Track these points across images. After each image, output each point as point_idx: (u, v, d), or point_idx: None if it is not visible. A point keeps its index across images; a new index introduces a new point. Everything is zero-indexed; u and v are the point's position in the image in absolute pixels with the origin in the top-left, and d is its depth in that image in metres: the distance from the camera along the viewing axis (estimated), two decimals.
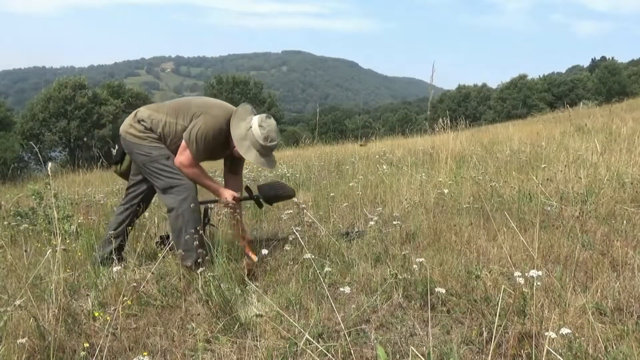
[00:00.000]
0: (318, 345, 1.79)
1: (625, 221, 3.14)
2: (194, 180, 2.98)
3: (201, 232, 2.78)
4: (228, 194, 3.02)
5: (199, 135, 2.89)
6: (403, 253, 2.69)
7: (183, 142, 2.92)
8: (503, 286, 1.96)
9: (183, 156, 2.92)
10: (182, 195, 2.91)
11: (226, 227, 3.98)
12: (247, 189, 3.31)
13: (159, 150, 2.96)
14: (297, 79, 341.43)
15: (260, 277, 2.77)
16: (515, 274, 2.00)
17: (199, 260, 2.73)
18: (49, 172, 2.77)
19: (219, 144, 2.99)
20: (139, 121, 3.00)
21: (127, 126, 3.02)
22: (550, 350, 1.58)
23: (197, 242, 2.73)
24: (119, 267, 2.86)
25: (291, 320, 2.06)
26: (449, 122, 6.95)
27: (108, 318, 2.22)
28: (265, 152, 2.96)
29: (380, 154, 7.97)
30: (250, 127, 2.92)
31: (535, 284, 1.91)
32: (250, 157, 2.93)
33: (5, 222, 4.15)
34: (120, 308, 2.33)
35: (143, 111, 3.05)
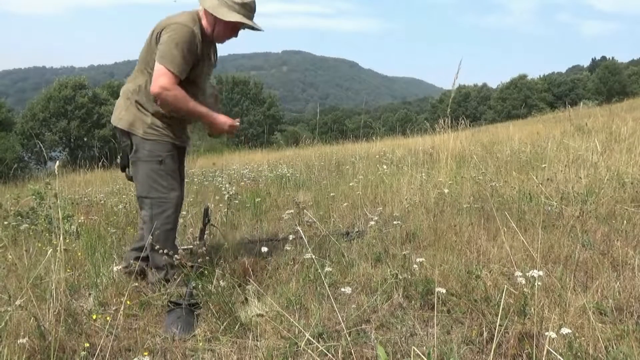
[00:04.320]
0: (318, 345, 1.79)
1: (625, 221, 3.14)
2: (180, 106, 2.52)
3: (174, 252, 2.49)
4: (224, 119, 2.67)
5: (173, 46, 2.46)
6: (403, 253, 2.69)
7: (157, 65, 2.47)
8: (505, 286, 1.96)
9: (162, 77, 2.45)
10: (158, 209, 2.63)
11: (227, 228, 3.98)
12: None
13: (152, 146, 2.62)
14: (297, 79, 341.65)
15: (260, 277, 2.76)
16: (515, 274, 2.00)
17: (167, 277, 2.66)
18: (55, 171, 2.76)
19: (194, 53, 2.55)
20: (128, 99, 2.66)
21: (120, 111, 2.69)
22: (551, 350, 1.58)
23: (168, 262, 2.52)
24: (119, 267, 2.86)
25: (292, 320, 2.06)
26: (449, 122, 6.96)
27: (108, 318, 2.22)
28: (247, 12, 2.60)
29: (380, 154, 7.97)
30: None
31: (536, 284, 1.91)
32: (233, 17, 2.54)
33: (6, 222, 4.15)
34: (120, 308, 2.33)
35: (127, 86, 2.70)
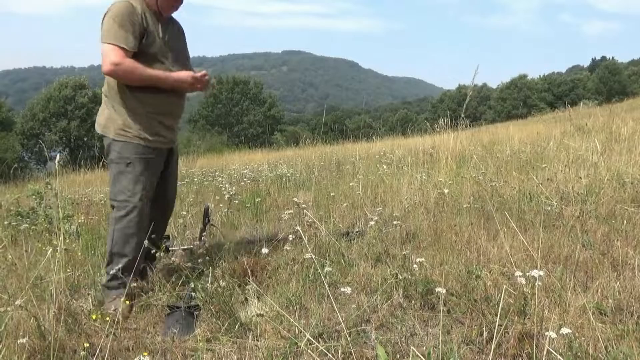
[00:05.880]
0: (318, 345, 1.79)
1: (625, 221, 3.14)
2: (135, 77, 2.46)
3: (134, 258, 2.50)
4: (186, 74, 2.59)
5: (111, 22, 2.42)
6: (403, 253, 2.69)
7: (102, 46, 2.43)
8: (505, 286, 1.96)
9: (109, 54, 2.39)
10: (121, 212, 2.54)
11: (227, 228, 3.98)
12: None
13: (121, 148, 2.55)
14: (297, 79, 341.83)
15: (260, 277, 2.76)
16: (515, 274, 2.00)
17: (109, 284, 2.52)
18: (56, 168, 2.77)
19: (138, 24, 2.47)
20: (104, 102, 2.65)
21: (99, 116, 2.66)
22: (551, 350, 1.58)
23: (125, 268, 2.47)
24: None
25: (292, 320, 2.06)
26: (449, 122, 6.97)
27: (108, 318, 2.22)
28: None
29: (380, 153, 7.97)
30: None
31: (536, 284, 1.91)
32: None
33: (6, 222, 4.15)
34: (120, 308, 2.32)
35: (102, 90, 2.67)
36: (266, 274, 2.77)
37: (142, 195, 2.56)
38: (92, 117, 38.69)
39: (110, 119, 2.58)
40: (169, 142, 2.73)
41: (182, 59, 2.74)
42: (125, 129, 2.55)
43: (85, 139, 39.26)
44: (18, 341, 1.84)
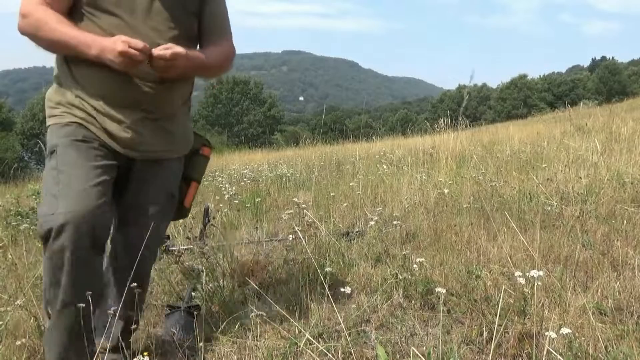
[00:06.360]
0: (318, 345, 1.79)
1: (625, 221, 3.14)
2: (41, 37, 1.64)
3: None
4: (110, 42, 1.57)
5: None
6: (403, 253, 2.69)
7: None
8: (504, 286, 1.97)
9: (22, 4, 1.68)
10: (41, 230, 1.55)
11: (227, 228, 3.98)
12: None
13: (50, 134, 1.71)
14: (297, 79, 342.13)
15: (260, 277, 2.76)
16: (515, 274, 2.00)
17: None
18: None
19: None
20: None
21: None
22: (551, 350, 1.58)
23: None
24: None
25: (292, 320, 2.06)
26: (449, 121, 6.98)
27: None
28: None
29: (380, 153, 7.97)
30: None
31: (535, 284, 1.91)
32: None
33: (6, 222, 4.15)
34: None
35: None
36: (266, 274, 2.77)
37: (63, 202, 1.53)
38: None
39: (47, 99, 1.80)
40: (122, 144, 1.71)
41: (168, 14, 1.73)
42: (55, 105, 1.75)
43: None
44: (18, 341, 1.84)
